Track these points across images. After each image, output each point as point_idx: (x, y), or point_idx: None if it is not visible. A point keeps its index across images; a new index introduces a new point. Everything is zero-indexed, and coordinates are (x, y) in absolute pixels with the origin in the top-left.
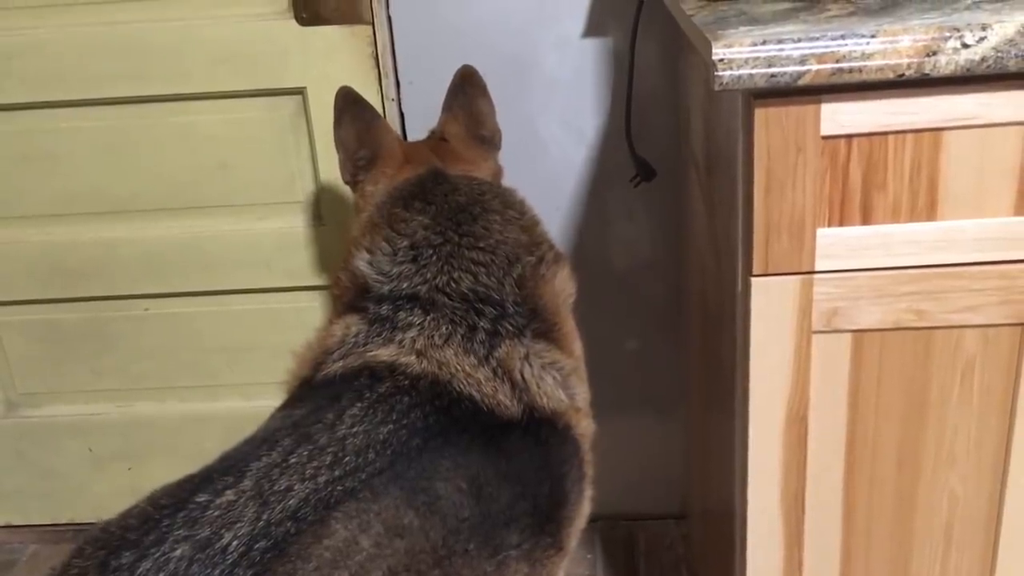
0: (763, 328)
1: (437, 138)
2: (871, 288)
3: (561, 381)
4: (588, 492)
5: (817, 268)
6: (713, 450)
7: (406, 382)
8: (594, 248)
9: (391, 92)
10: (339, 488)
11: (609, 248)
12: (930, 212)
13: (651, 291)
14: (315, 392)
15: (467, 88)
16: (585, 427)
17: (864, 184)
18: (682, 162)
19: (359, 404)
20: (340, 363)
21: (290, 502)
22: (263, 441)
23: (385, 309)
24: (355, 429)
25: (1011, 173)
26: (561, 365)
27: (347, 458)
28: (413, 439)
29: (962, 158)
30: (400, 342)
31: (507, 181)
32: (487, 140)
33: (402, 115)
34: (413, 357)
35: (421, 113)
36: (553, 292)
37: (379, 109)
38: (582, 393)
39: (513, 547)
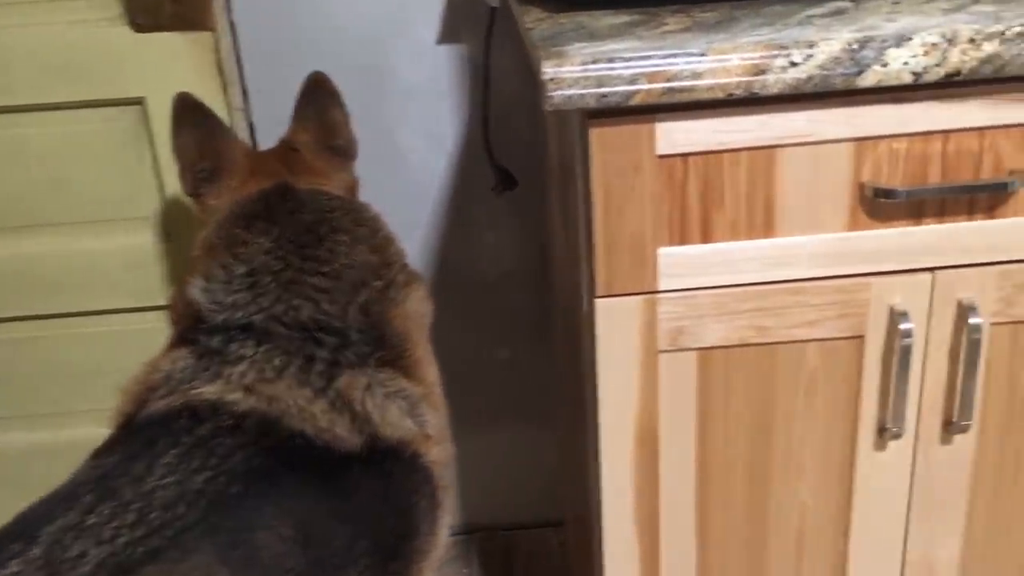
0: (609, 349)
1: (287, 148)
2: (714, 306)
3: (408, 409)
4: (444, 520)
5: (660, 288)
6: (579, 460)
7: (230, 422)
8: (459, 258)
9: (237, 101)
10: (140, 549)
11: (475, 258)
12: (767, 229)
13: (519, 301)
14: (132, 436)
15: (318, 95)
16: (437, 454)
17: (702, 202)
18: (544, 171)
19: (174, 451)
20: (163, 402)
21: (83, 570)
22: (63, 498)
23: (216, 342)
24: (166, 480)
25: (843, 189)
26: (408, 392)
27: (153, 514)
28: (233, 486)
29: (796, 175)
30: (228, 377)
31: (366, 192)
32: (341, 150)
33: (251, 126)
34: (240, 394)
35: (272, 124)
36: (404, 316)
37: (226, 119)
38: (433, 420)
39: None
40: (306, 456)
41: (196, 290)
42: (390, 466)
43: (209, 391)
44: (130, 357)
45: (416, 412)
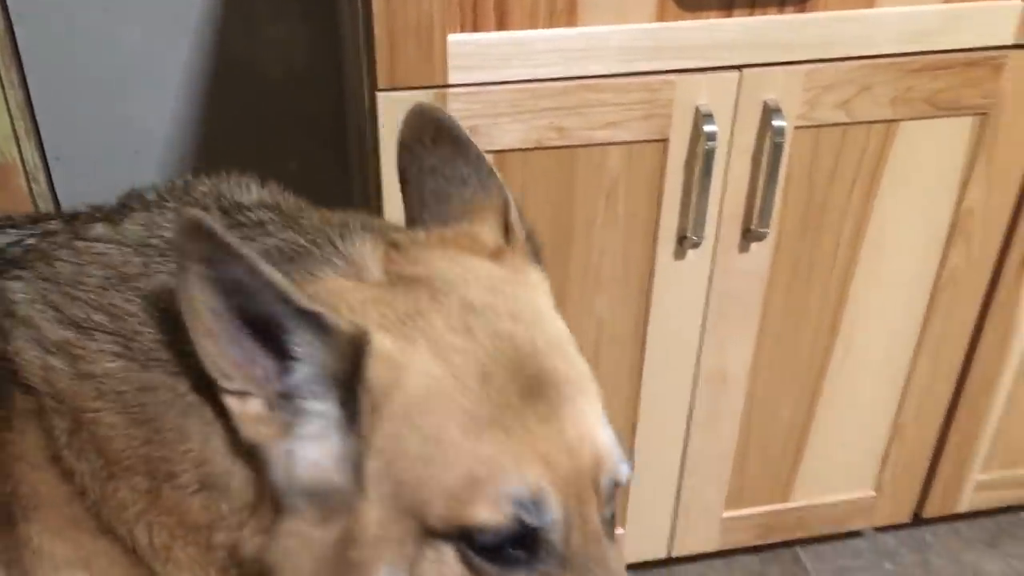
0: (393, 152)
1: None
2: (510, 103)
3: None
4: None
5: (450, 81)
6: None
7: None
8: (241, 56)
9: None
10: None
11: (259, 56)
12: (570, 16)
13: (310, 106)
14: None
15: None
16: None
17: None
18: None
19: None
20: None
21: None
22: None
23: None
24: None
25: None
26: None
27: None
28: None
29: None
30: None
31: None
32: None
33: None
34: None
35: None
36: None
37: None
38: None
39: None
40: None
41: None
42: None
43: None
44: None
45: None
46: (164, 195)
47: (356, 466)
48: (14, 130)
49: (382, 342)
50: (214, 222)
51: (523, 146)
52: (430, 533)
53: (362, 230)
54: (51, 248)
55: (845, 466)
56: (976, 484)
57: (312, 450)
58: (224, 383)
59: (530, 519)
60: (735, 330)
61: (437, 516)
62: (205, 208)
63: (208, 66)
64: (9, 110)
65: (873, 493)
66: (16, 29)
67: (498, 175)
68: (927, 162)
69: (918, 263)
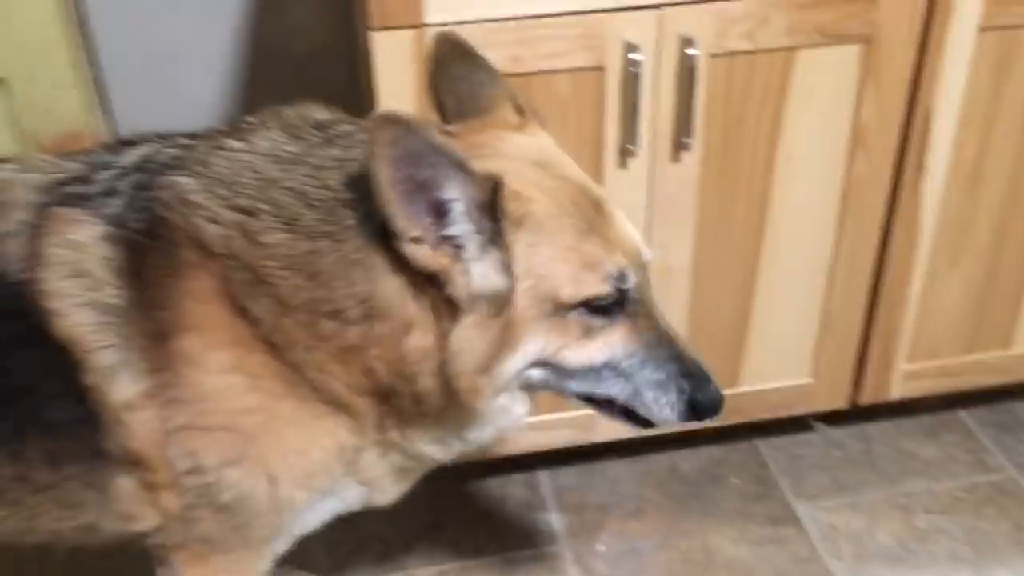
0: (387, 80)
1: None
2: (479, 38)
3: None
4: None
5: (427, 21)
6: None
7: None
8: (269, 35)
9: None
10: None
11: (284, 34)
12: None
13: (331, 76)
14: None
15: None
16: None
17: None
18: None
19: None
20: None
21: None
22: None
23: None
24: None
25: None
26: None
27: None
28: None
29: None
30: None
31: None
32: None
33: None
34: None
35: None
36: None
37: None
38: None
39: None
40: None
41: None
42: None
43: None
44: None
45: None
46: (266, 120)
47: (508, 271)
48: (88, 105)
49: (510, 182)
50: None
51: None
52: (559, 308)
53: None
54: (202, 155)
55: (783, 354)
56: (904, 374)
57: (478, 266)
58: (405, 233)
59: (623, 285)
60: (675, 230)
61: (567, 295)
62: (296, 127)
63: (245, 47)
64: (83, 87)
65: (812, 380)
66: (90, 20)
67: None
68: (824, 83)
69: (827, 171)
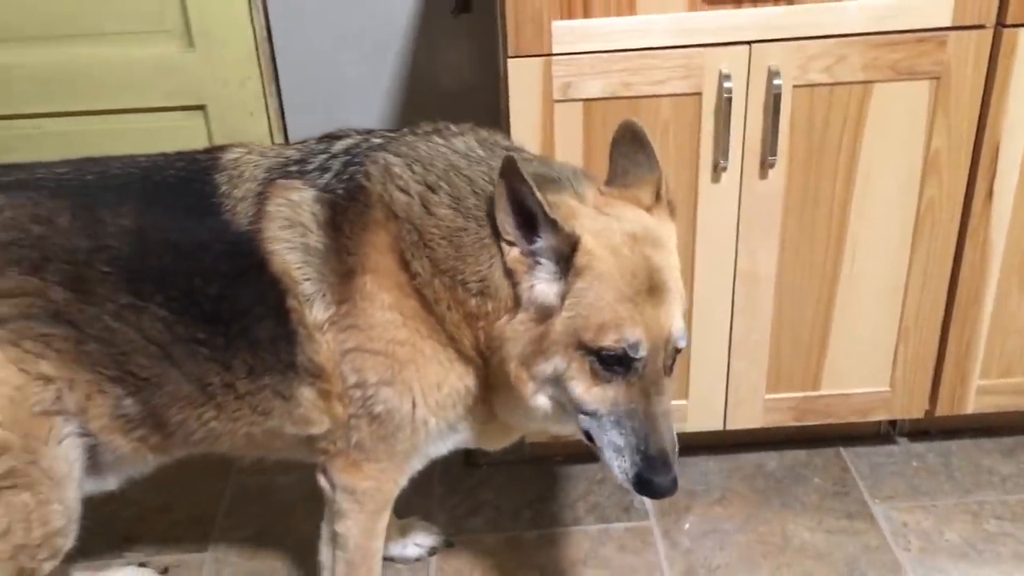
0: (518, 98)
1: None
2: (592, 67)
3: None
4: None
5: (554, 52)
6: None
7: None
8: (423, 74)
9: None
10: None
11: (437, 73)
12: (631, 9)
13: (474, 110)
14: None
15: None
16: None
17: None
18: None
19: None
20: None
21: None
22: None
23: None
24: None
25: None
26: None
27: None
28: None
29: None
30: None
31: (339, 24)
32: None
33: None
34: None
35: None
36: None
37: None
38: None
39: None
40: None
41: None
42: None
43: None
44: (157, 150)
45: None
46: (465, 130)
47: (561, 299)
48: (271, 130)
49: (587, 240)
50: (520, 161)
51: (602, 96)
52: (580, 345)
53: (585, 178)
54: (410, 141)
55: (863, 361)
56: (979, 389)
57: (542, 285)
58: (505, 236)
59: (632, 353)
60: (762, 240)
61: (587, 338)
62: (486, 140)
63: (404, 81)
64: (268, 114)
65: (890, 388)
66: (277, 59)
67: (660, 163)
68: (898, 114)
69: (902, 193)
